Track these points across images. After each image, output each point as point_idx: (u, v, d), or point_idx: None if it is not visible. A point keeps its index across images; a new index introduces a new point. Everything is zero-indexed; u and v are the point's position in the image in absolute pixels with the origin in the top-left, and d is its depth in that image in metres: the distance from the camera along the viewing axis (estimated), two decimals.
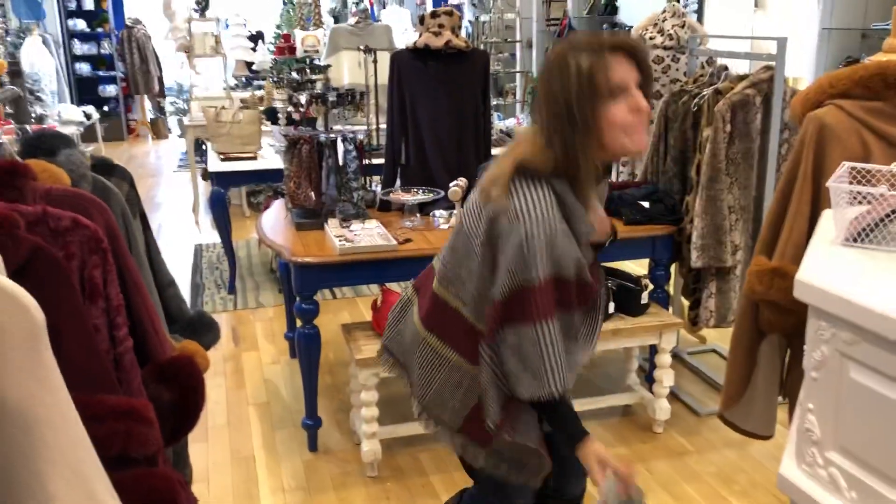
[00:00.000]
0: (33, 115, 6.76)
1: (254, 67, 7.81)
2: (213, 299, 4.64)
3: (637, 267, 4.38)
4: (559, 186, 1.49)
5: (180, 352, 1.52)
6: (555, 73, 1.46)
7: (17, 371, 1.00)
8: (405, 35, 8.05)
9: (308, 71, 4.52)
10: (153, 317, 1.43)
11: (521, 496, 1.79)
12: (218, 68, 8.25)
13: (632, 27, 5.09)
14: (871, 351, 1.12)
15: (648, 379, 3.25)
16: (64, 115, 7.94)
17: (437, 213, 3.06)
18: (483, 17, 8.18)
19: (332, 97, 3.40)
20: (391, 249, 2.75)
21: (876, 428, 1.13)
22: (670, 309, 3.28)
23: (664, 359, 3.01)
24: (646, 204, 3.08)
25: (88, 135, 8.83)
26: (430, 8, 10.54)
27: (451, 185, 2.89)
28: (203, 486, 2.77)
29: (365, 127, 3.99)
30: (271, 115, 5.21)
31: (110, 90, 10.65)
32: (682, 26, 3.60)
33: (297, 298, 2.81)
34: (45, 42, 9.01)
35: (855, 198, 1.38)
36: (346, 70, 5.23)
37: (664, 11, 3.67)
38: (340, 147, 3.03)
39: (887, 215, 1.35)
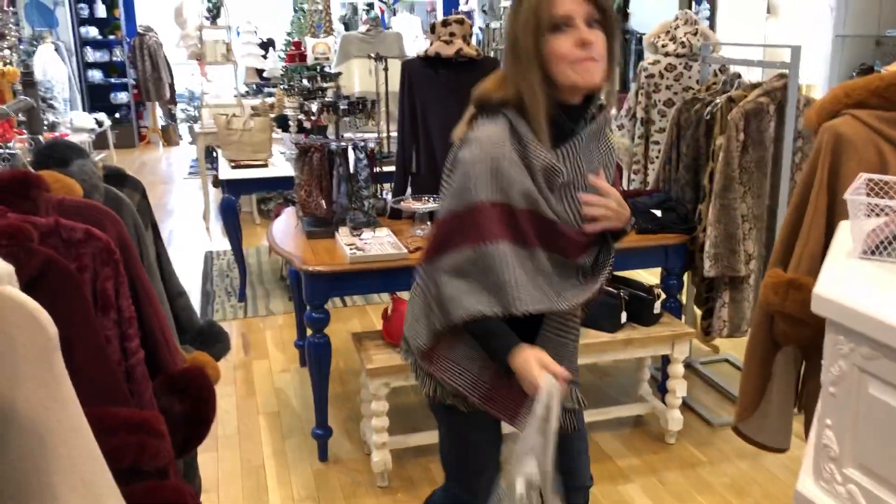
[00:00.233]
0: (45, 122, 6.80)
1: (264, 74, 7.85)
2: (224, 307, 4.65)
3: (649, 276, 4.36)
4: (513, 117, 1.51)
5: (191, 363, 1.52)
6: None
7: (30, 384, 1.00)
8: (416, 42, 8.08)
9: (319, 79, 4.53)
10: (164, 328, 1.43)
11: (479, 484, 1.73)
12: (229, 75, 8.29)
13: (643, 34, 5.08)
14: (890, 367, 1.11)
15: (660, 389, 3.22)
16: (76, 122, 8.00)
17: None
18: (493, 25, 8.19)
19: (343, 106, 3.39)
20: (402, 258, 2.74)
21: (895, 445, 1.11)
22: (683, 318, 3.26)
23: (677, 369, 2.99)
24: (658, 212, 3.07)
25: (100, 142, 8.89)
26: (440, 15, 10.58)
27: None
28: (213, 496, 2.77)
29: (375, 135, 3.99)
30: (282, 122, 5.23)
31: (122, 97, 10.72)
32: (695, 34, 3.59)
33: (308, 307, 2.80)
34: (57, 50, 9.09)
35: (872, 210, 1.36)
36: (357, 77, 5.24)
37: (676, 19, 3.65)
38: (351, 155, 3.04)
39: None
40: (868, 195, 1.40)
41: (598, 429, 3.11)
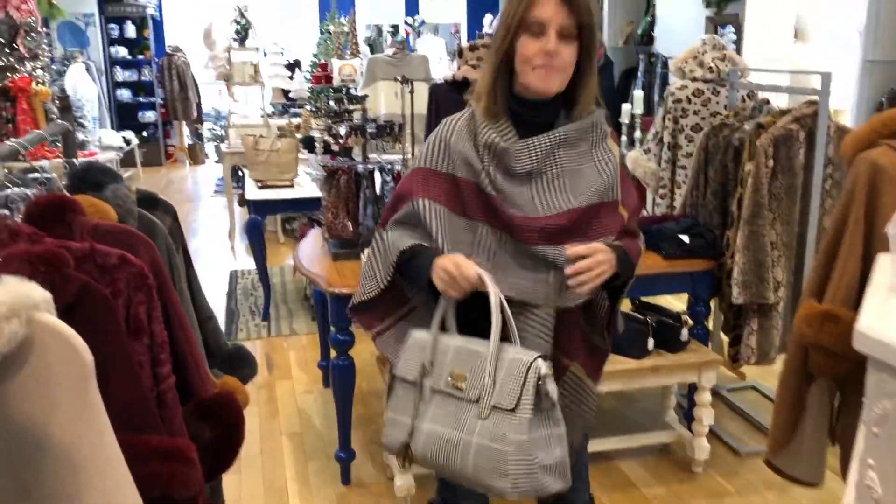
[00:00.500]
0: (76, 141, 6.90)
1: (290, 95, 7.92)
2: (248, 326, 4.66)
3: (676, 302, 4.32)
4: (475, 106, 1.65)
5: (221, 388, 1.52)
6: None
7: (65, 411, 1.00)
8: (440, 64, 8.12)
9: (345, 101, 4.56)
10: (196, 353, 1.43)
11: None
12: (255, 96, 8.39)
13: (669, 58, 5.07)
14: None
15: (687, 416, 3.18)
16: (104, 140, 8.12)
17: None
18: None
19: (371, 129, 3.41)
20: None
21: None
22: (710, 345, 3.21)
23: (704, 397, 2.94)
24: (685, 238, 3.04)
25: (127, 159, 9.00)
26: (464, 37, 10.64)
27: None
28: None
29: (401, 157, 4.00)
30: (308, 143, 5.27)
31: (150, 116, 10.87)
32: (723, 59, 3.57)
33: (333, 329, 2.80)
34: (87, 69, 9.25)
35: None
36: (383, 100, 5.28)
37: (704, 44, 3.64)
38: (378, 178, 3.04)
39: None
40: None
41: (623, 456, 3.07)
